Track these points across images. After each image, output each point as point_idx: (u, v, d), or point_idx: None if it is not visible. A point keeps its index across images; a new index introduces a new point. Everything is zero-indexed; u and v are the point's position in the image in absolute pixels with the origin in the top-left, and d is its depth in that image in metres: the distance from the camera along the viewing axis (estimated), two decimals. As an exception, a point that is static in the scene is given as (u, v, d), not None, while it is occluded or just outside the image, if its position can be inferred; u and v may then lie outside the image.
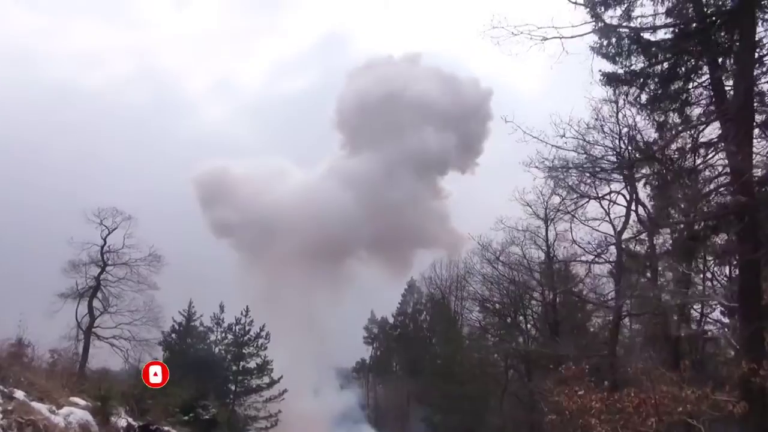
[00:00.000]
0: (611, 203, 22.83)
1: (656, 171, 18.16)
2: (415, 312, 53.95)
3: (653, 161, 17.64)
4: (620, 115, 19.79)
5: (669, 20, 17.33)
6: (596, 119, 19.62)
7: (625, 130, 20.35)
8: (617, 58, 18.72)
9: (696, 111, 17.45)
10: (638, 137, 18.56)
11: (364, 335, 55.59)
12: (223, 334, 32.98)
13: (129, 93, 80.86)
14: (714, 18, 16.91)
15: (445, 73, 43.50)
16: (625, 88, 18.66)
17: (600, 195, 22.65)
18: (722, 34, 16.55)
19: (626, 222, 21.45)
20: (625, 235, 23.11)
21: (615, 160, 19.16)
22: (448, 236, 42.32)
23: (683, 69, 16.93)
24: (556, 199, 27.02)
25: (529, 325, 37.69)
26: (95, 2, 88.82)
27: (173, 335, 32.74)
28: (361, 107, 41.21)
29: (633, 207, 22.12)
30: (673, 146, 17.04)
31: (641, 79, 17.19)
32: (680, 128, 16.48)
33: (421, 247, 44.90)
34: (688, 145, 16.81)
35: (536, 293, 34.52)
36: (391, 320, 55.10)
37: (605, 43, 18.66)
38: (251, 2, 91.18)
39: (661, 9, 17.90)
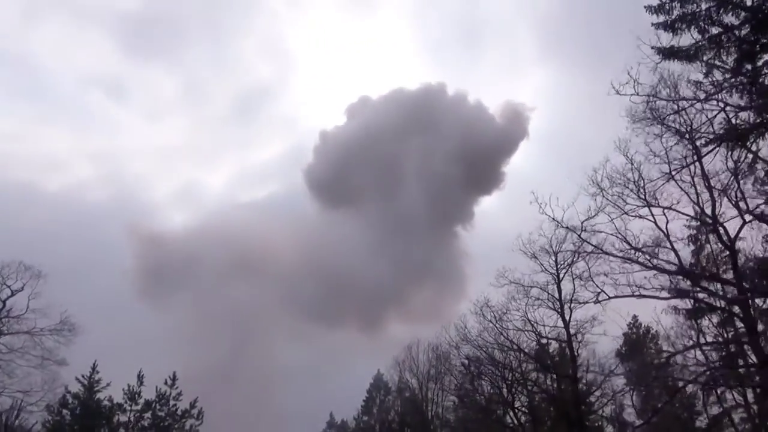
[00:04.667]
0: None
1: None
2: (383, 411, 44.77)
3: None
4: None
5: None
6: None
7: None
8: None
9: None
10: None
11: (322, 441, 45.91)
12: (138, 414, 23.67)
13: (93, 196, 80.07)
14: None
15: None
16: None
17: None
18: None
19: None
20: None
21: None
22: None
23: None
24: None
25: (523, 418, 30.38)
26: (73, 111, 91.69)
27: (64, 413, 22.99)
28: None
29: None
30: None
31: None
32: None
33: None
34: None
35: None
36: (352, 423, 45.63)
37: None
38: (219, 117, 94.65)
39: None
